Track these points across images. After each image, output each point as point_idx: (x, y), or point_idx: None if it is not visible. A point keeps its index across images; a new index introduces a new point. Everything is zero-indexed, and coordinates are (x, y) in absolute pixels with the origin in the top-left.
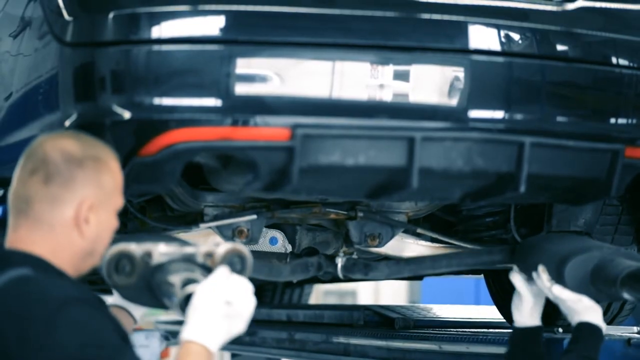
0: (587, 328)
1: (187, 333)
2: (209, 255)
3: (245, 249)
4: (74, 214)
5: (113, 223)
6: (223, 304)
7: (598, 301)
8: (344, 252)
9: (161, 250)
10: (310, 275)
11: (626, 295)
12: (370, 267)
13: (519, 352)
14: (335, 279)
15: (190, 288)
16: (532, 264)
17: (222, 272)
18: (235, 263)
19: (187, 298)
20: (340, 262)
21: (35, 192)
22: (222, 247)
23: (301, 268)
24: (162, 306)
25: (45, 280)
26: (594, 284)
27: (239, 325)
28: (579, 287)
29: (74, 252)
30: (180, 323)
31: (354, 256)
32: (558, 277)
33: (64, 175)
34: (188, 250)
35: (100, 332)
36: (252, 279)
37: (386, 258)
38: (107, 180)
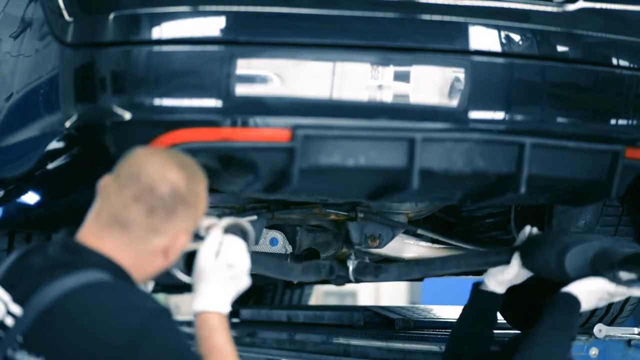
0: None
1: (199, 305)
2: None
3: (247, 223)
4: (167, 245)
5: (188, 242)
6: (226, 268)
7: None
8: (355, 253)
9: None
10: (322, 277)
11: (624, 276)
12: (381, 269)
13: (475, 310)
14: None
15: (188, 246)
16: (536, 258)
17: (216, 234)
18: (237, 236)
19: (186, 257)
20: (351, 265)
21: (135, 219)
22: (224, 220)
23: (313, 269)
24: (165, 278)
25: (128, 289)
26: (594, 272)
27: (243, 282)
28: (579, 276)
29: (152, 271)
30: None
31: (366, 259)
32: (559, 266)
33: (168, 210)
34: None
35: (185, 342)
36: (254, 278)
37: (388, 259)
38: (201, 212)
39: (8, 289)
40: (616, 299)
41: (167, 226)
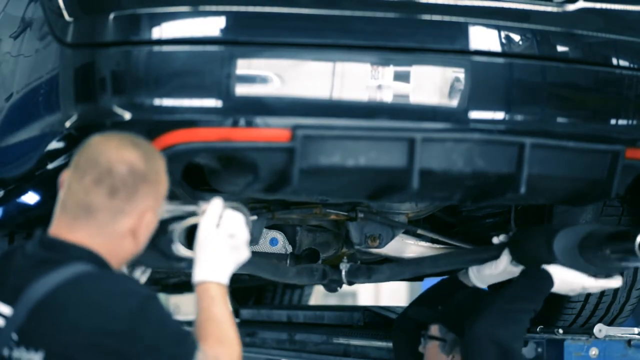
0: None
1: (200, 274)
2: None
3: (243, 207)
4: (134, 225)
5: (156, 222)
6: (227, 238)
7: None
8: (346, 256)
9: (164, 208)
10: (315, 282)
11: (612, 256)
12: (373, 270)
13: (443, 294)
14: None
15: (189, 220)
16: (526, 248)
17: (217, 204)
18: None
19: (187, 231)
20: (344, 268)
21: (99, 203)
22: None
23: (307, 273)
24: (166, 257)
25: (115, 276)
26: (583, 254)
27: (243, 253)
28: (567, 259)
29: (125, 255)
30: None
31: (357, 262)
32: (548, 250)
33: (129, 190)
34: (189, 208)
35: (175, 321)
36: (253, 279)
37: (387, 259)
38: (163, 190)
39: None
40: (592, 291)
41: (130, 206)
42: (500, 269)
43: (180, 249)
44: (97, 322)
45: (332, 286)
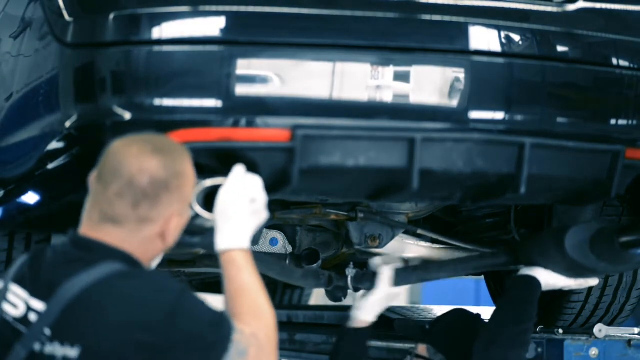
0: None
1: (224, 242)
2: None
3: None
4: (160, 230)
5: (184, 222)
6: (249, 203)
7: (599, 272)
8: (354, 263)
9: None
10: (321, 286)
11: (623, 246)
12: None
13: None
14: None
15: (207, 182)
16: (534, 251)
17: (239, 171)
18: None
19: (208, 194)
20: (350, 274)
21: (123, 214)
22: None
23: (313, 276)
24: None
25: (148, 273)
26: (593, 249)
27: (262, 216)
28: (579, 254)
29: (156, 253)
30: None
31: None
32: (559, 249)
33: (151, 200)
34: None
35: (209, 308)
36: None
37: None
38: (188, 191)
39: (25, 286)
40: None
41: (154, 214)
42: (382, 294)
43: (198, 209)
44: (134, 317)
45: (337, 295)
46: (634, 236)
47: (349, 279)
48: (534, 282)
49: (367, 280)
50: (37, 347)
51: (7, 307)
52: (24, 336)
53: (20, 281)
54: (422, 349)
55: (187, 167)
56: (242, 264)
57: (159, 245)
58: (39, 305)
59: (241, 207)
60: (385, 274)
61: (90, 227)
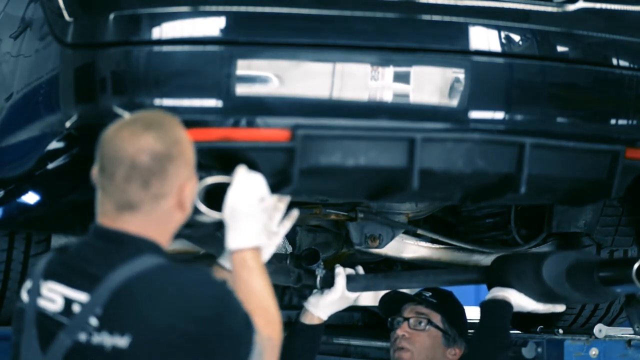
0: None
1: (235, 242)
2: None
3: None
4: (176, 200)
5: (196, 185)
6: (258, 203)
7: (571, 301)
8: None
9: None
10: (290, 283)
11: (601, 283)
12: (349, 279)
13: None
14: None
15: (208, 180)
16: (510, 272)
17: (243, 171)
18: None
19: (210, 191)
20: (319, 274)
21: (137, 197)
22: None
23: (283, 273)
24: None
25: (189, 267)
26: (570, 279)
27: (274, 214)
28: (554, 282)
29: (176, 225)
30: None
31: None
32: (535, 274)
33: (159, 175)
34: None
35: (242, 305)
36: None
37: (380, 263)
38: (189, 154)
39: (61, 280)
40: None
41: (167, 188)
42: (337, 295)
43: (203, 209)
44: (184, 308)
45: (304, 293)
46: (614, 272)
47: (318, 278)
48: (507, 307)
49: (328, 280)
50: (83, 337)
51: (43, 303)
52: (67, 326)
53: (53, 276)
54: (436, 317)
55: (181, 132)
56: (253, 266)
57: (179, 215)
58: (80, 296)
59: (251, 206)
60: (341, 277)
61: (109, 219)
